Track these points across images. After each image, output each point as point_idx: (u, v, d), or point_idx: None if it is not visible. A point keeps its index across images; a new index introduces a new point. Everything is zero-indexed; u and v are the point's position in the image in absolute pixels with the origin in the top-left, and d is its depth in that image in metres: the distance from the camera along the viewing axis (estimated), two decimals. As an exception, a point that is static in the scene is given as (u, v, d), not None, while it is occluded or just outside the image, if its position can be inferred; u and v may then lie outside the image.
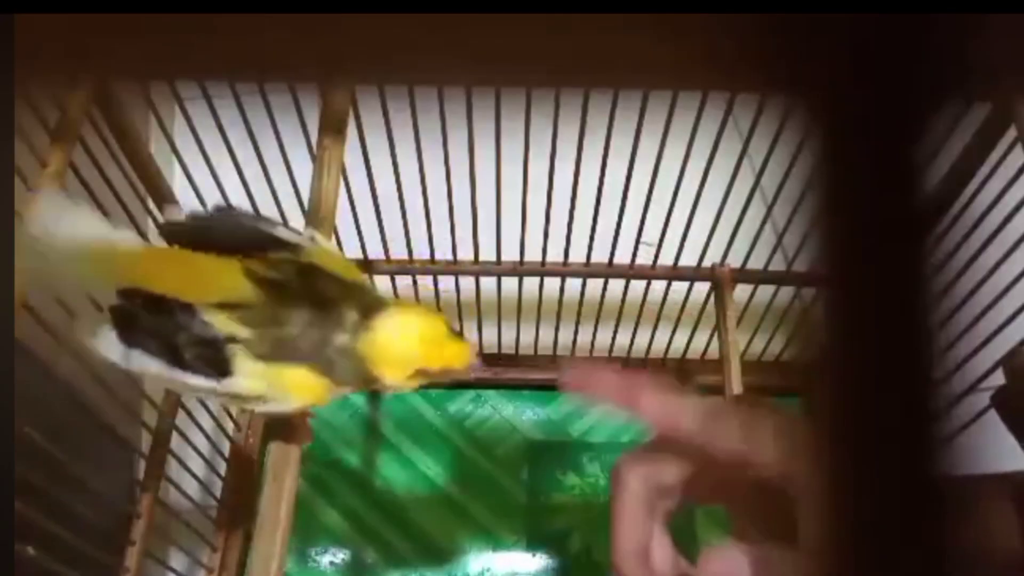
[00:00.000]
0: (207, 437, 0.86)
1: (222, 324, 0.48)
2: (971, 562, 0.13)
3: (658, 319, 0.94)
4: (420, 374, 0.50)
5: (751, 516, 0.35)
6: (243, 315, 0.48)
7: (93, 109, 0.62)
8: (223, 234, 0.51)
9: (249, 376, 0.48)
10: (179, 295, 0.48)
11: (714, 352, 0.92)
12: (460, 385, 1.03)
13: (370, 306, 0.49)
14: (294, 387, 0.48)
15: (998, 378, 0.66)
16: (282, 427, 0.53)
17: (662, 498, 0.35)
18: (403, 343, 0.49)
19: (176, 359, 0.48)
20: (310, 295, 0.49)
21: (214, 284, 0.49)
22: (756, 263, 0.86)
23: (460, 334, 0.51)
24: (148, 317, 0.48)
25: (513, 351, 1.01)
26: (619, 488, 0.34)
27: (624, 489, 0.34)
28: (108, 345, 0.49)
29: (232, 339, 0.47)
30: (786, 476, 0.30)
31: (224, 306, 0.48)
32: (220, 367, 0.48)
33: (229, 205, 0.57)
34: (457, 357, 0.50)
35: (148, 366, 0.48)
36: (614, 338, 0.98)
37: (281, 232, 0.51)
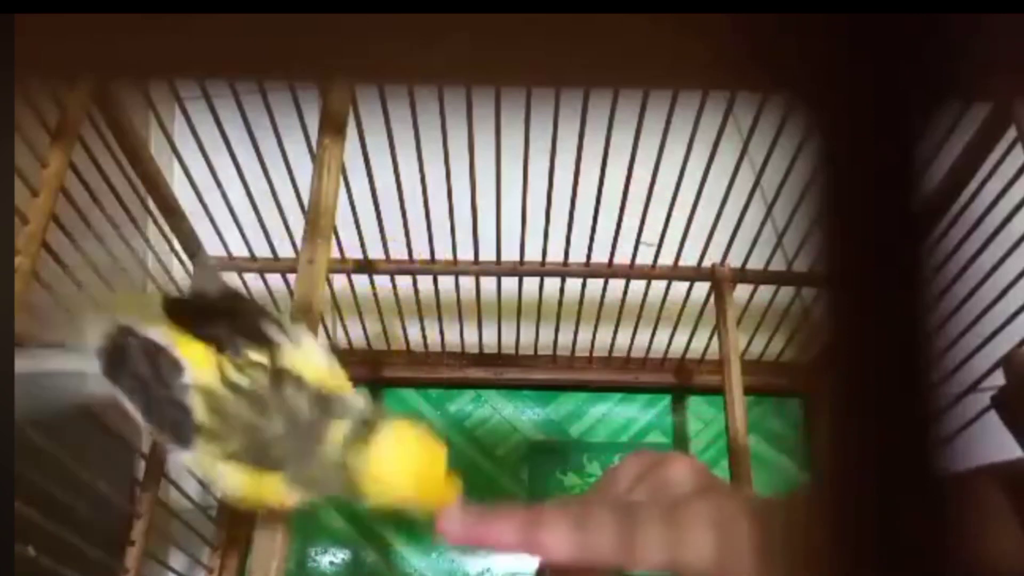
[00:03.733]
0: (207, 437, 0.86)
1: (196, 407, 0.46)
2: (966, 555, 0.13)
3: (658, 319, 0.94)
4: (400, 501, 0.47)
5: None
6: (215, 406, 0.46)
7: (93, 109, 0.62)
8: (214, 316, 0.49)
9: (207, 461, 0.46)
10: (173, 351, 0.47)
11: (714, 352, 0.92)
12: (460, 385, 1.03)
13: (366, 420, 0.47)
14: (257, 488, 0.47)
15: (998, 378, 0.66)
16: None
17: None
18: (398, 470, 0.46)
19: (147, 409, 0.47)
20: (281, 405, 0.46)
21: (197, 367, 0.47)
22: (756, 263, 0.86)
23: (454, 475, 0.49)
24: (136, 360, 0.48)
25: (513, 351, 1.01)
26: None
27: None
28: (91, 366, 0.48)
29: (200, 428, 0.46)
30: None
31: (201, 391, 0.46)
32: (184, 439, 0.46)
33: (237, 290, 0.54)
34: (444, 500, 0.47)
35: (125, 405, 0.47)
36: (614, 338, 0.98)
37: (270, 329, 0.49)
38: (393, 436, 0.46)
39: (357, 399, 0.48)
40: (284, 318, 0.51)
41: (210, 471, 0.47)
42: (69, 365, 0.49)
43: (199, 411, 0.46)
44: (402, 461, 0.46)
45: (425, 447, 0.47)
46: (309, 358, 0.49)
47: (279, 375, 0.48)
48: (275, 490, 0.47)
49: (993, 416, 0.55)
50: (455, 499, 0.47)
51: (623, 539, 0.33)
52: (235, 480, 0.47)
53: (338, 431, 0.46)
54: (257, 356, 0.48)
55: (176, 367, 0.47)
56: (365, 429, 0.46)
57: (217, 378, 0.47)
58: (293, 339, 0.50)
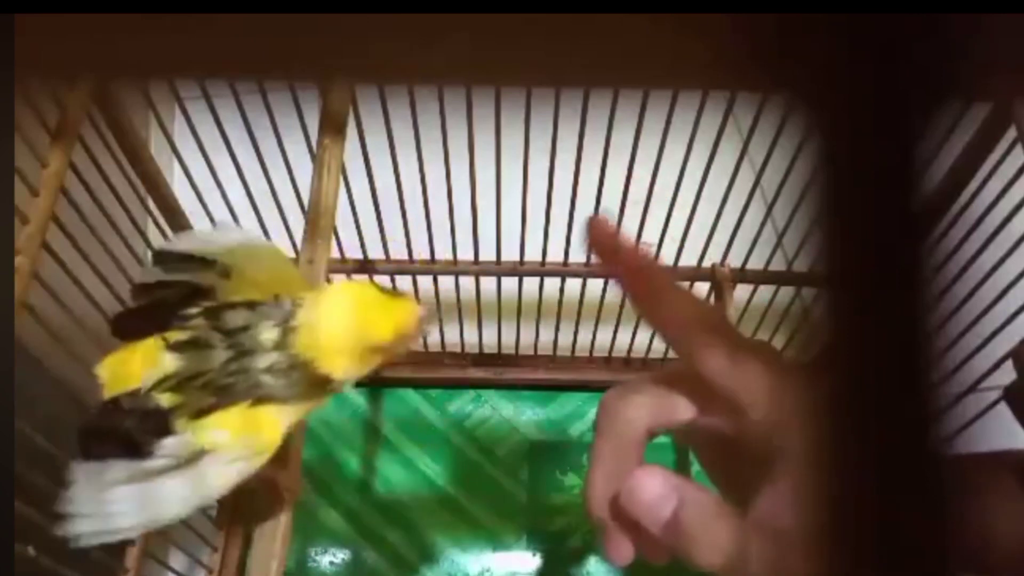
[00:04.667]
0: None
1: (161, 400, 0.47)
2: (973, 540, 0.13)
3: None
4: (372, 352, 0.44)
5: (717, 467, 0.34)
6: (171, 384, 0.47)
7: (93, 109, 0.62)
8: (158, 310, 0.50)
9: (191, 434, 0.47)
10: (123, 389, 0.48)
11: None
12: (460, 385, 1.03)
13: (288, 312, 0.46)
14: (233, 429, 0.46)
15: (998, 378, 0.66)
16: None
17: (645, 440, 0.32)
18: (335, 324, 0.44)
19: (133, 448, 0.47)
20: (221, 334, 0.47)
21: (150, 367, 0.48)
22: (756, 263, 0.86)
23: (397, 291, 0.46)
24: (102, 420, 0.49)
25: (513, 351, 1.01)
26: (601, 427, 0.32)
27: (605, 430, 0.32)
28: (78, 484, 0.48)
29: (172, 409, 0.47)
30: (775, 427, 0.28)
31: (157, 384, 0.47)
32: (164, 430, 0.47)
33: (165, 255, 0.53)
34: (403, 315, 0.44)
35: (115, 473, 0.47)
36: (614, 338, 0.98)
37: (205, 278, 0.50)
38: (310, 304, 0.45)
39: (292, 301, 0.47)
40: (229, 255, 0.51)
41: (198, 436, 0.47)
42: None
43: (162, 399, 0.47)
44: (335, 317, 0.44)
45: (347, 291, 0.45)
46: (246, 281, 0.50)
47: (214, 310, 0.48)
48: (263, 422, 0.47)
49: (994, 416, 0.55)
50: (412, 308, 0.45)
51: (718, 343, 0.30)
52: (222, 434, 0.47)
53: (266, 331, 0.46)
54: (193, 309, 0.49)
55: (131, 393, 0.48)
56: (292, 316, 0.45)
57: (165, 354, 0.48)
58: (229, 271, 0.50)
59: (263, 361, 0.45)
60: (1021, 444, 0.39)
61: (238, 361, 0.46)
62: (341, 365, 0.44)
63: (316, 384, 0.45)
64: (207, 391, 0.47)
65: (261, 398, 0.46)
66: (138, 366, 0.49)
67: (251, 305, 0.48)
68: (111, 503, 0.48)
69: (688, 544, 0.28)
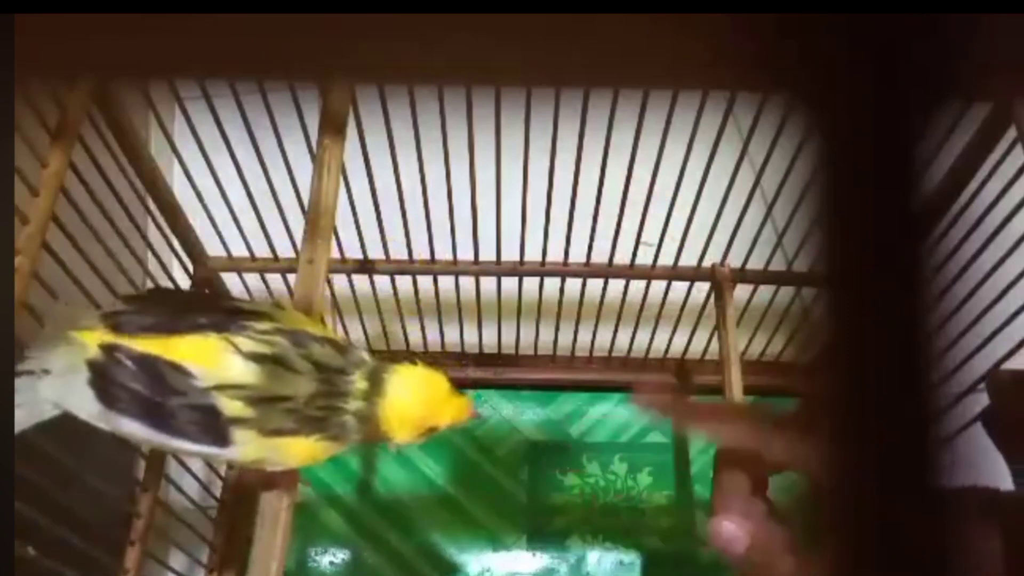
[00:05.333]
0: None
1: (225, 405, 0.46)
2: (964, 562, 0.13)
3: (658, 319, 0.94)
4: (429, 431, 0.51)
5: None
6: (244, 394, 0.47)
7: (93, 109, 0.62)
8: (189, 312, 0.49)
9: (249, 446, 0.47)
10: (165, 353, 0.47)
11: (714, 352, 0.92)
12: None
13: (375, 369, 0.49)
14: (295, 454, 0.49)
15: (998, 378, 0.66)
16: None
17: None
18: (414, 405, 0.50)
19: (162, 422, 0.47)
20: (311, 364, 0.48)
21: (210, 360, 0.47)
22: (756, 263, 0.86)
23: (460, 393, 0.53)
24: (131, 375, 0.47)
25: (513, 351, 1.01)
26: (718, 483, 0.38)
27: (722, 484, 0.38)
28: (82, 402, 0.47)
29: (236, 420, 0.47)
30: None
31: (222, 387, 0.47)
32: (218, 437, 0.47)
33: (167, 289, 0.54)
34: (460, 412, 0.52)
35: (128, 428, 0.47)
36: (614, 338, 0.98)
37: (245, 304, 0.50)
38: (402, 378, 0.50)
39: (362, 350, 0.51)
40: (249, 301, 0.52)
41: (259, 454, 0.48)
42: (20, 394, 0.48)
43: (226, 405, 0.46)
44: (416, 399, 0.50)
45: (427, 379, 0.51)
46: (294, 315, 0.51)
47: (294, 334, 0.49)
48: (304, 451, 0.49)
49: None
50: (468, 406, 0.53)
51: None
52: (283, 453, 0.48)
53: (360, 381, 0.49)
54: (261, 324, 0.48)
55: (182, 372, 0.47)
56: (379, 376, 0.49)
57: (238, 359, 0.47)
58: (274, 306, 0.51)
59: (353, 405, 0.49)
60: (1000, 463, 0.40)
61: (329, 399, 0.48)
62: (402, 434, 0.51)
63: (374, 437, 0.50)
64: (289, 416, 0.47)
65: (331, 437, 0.49)
66: (188, 346, 0.48)
67: (337, 347, 0.49)
68: (112, 428, 0.48)
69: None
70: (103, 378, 0.47)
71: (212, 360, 0.47)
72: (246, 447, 0.47)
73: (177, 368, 0.47)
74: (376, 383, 0.49)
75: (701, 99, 0.68)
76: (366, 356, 0.51)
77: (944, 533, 0.13)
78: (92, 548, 0.63)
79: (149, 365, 0.47)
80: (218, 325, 0.48)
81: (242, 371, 0.47)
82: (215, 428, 0.47)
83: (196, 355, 0.47)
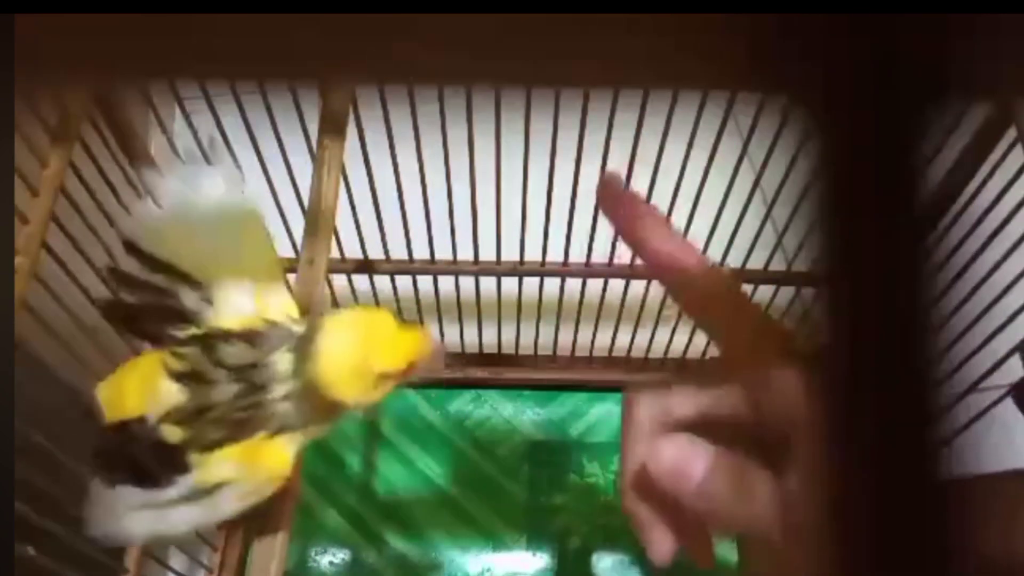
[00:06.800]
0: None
1: (169, 434, 0.46)
2: (988, 563, 0.13)
3: (658, 319, 0.94)
4: (383, 379, 0.45)
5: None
6: (177, 419, 0.46)
7: (93, 109, 0.62)
8: (143, 312, 0.49)
9: (200, 468, 0.46)
10: (134, 412, 0.47)
11: (714, 352, 0.92)
12: (460, 385, 1.03)
13: (305, 335, 0.45)
14: (255, 464, 0.46)
15: (998, 378, 0.66)
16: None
17: (668, 431, 0.31)
18: (347, 351, 0.44)
19: (147, 477, 0.47)
20: (224, 369, 0.46)
21: (152, 394, 0.47)
22: (756, 263, 0.86)
23: (413, 324, 0.46)
24: (111, 445, 0.47)
25: (513, 351, 1.01)
26: (626, 421, 0.31)
27: (630, 422, 0.31)
28: (102, 508, 0.48)
29: (182, 444, 0.46)
30: (788, 421, 0.27)
31: (165, 418, 0.46)
32: (178, 464, 0.46)
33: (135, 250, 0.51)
34: (414, 347, 0.45)
35: (129, 498, 0.47)
36: (614, 338, 0.98)
37: (186, 299, 0.48)
38: (331, 327, 0.44)
39: (290, 322, 0.46)
40: (202, 271, 0.49)
41: (219, 475, 0.46)
42: None
43: (167, 432, 0.46)
44: (349, 347, 0.44)
45: (362, 320, 0.45)
46: (231, 306, 0.48)
47: (207, 340, 0.46)
48: (272, 453, 0.46)
49: (993, 416, 0.55)
50: (425, 340, 0.45)
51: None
52: (233, 468, 0.46)
53: (283, 361, 0.45)
54: (185, 332, 0.47)
55: (139, 421, 0.47)
56: (308, 340, 0.44)
57: (169, 383, 0.46)
58: (211, 295, 0.48)
59: (279, 390, 0.45)
60: (1011, 448, 0.39)
61: (249, 396, 0.45)
62: (352, 392, 0.44)
63: (327, 409, 0.45)
64: (219, 426, 0.46)
65: (275, 430, 0.46)
66: (137, 389, 0.47)
67: (248, 338, 0.46)
68: (124, 519, 0.48)
69: (723, 507, 0.27)
70: (105, 459, 0.49)
71: (151, 388, 0.46)
72: (199, 468, 0.46)
73: (139, 420, 0.47)
74: (304, 351, 0.44)
75: (701, 99, 0.68)
76: (295, 328, 0.46)
77: (945, 533, 0.13)
78: (92, 548, 0.63)
79: (117, 429, 0.47)
80: (156, 332, 0.48)
81: (171, 394, 0.46)
82: (171, 458, 0.46)
83: (140, 387, 0.47)
